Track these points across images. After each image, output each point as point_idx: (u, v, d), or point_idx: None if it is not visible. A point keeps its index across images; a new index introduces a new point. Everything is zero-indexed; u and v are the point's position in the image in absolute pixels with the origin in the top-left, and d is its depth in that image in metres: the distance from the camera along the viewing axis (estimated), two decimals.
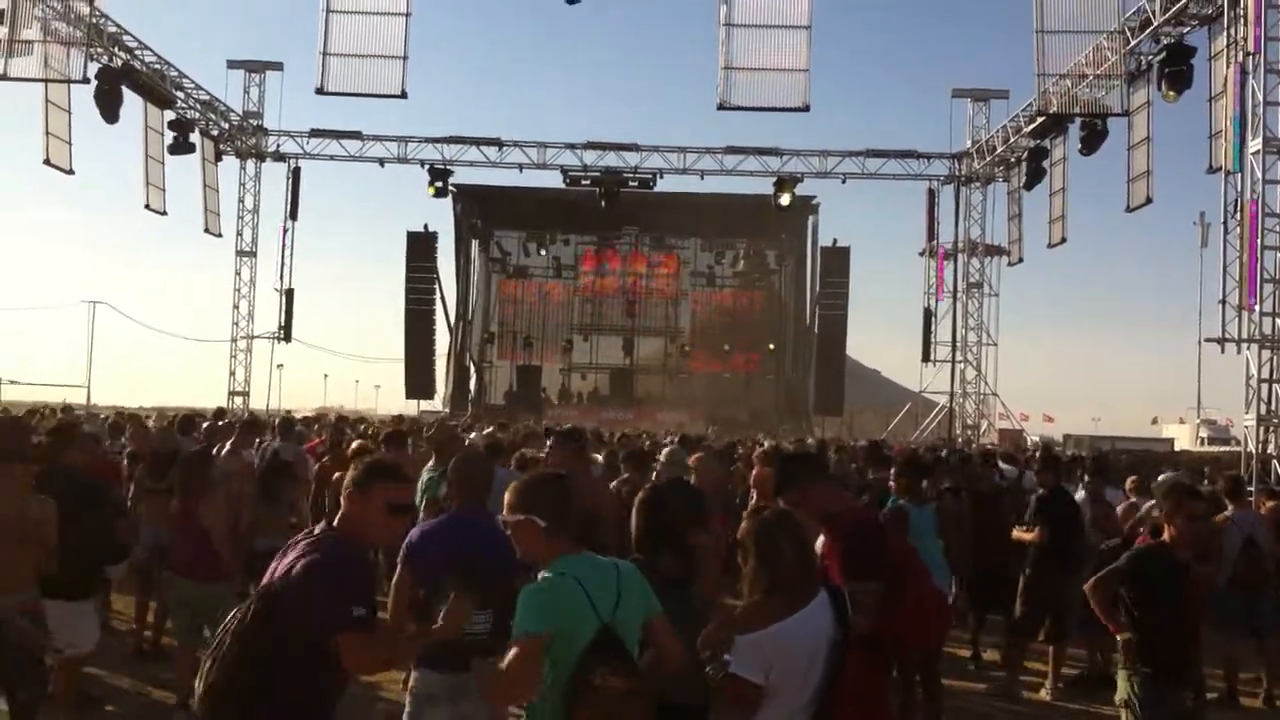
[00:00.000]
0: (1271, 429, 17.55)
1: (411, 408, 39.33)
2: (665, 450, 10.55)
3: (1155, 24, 21.43)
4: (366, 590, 3.91)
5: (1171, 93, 20.78)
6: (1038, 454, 19.55)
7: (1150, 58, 22.36)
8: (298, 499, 11.08)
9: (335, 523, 3.99)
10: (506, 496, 3.92)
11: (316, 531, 3.97)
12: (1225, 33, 18.95)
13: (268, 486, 9.35)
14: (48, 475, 6.74)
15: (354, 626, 3.73)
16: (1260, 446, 17.31)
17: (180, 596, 7.77)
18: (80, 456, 8.17)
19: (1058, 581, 9.40)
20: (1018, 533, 9.81)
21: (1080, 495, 11.00)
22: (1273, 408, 17.54)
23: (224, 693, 3.66)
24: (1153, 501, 9.39)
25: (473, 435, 17.35)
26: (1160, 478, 12.37)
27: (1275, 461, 17.12)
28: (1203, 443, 49.79)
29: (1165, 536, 5.79)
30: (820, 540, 4.84)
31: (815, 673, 3.91)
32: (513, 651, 3.52)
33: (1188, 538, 5.69)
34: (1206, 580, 6.85)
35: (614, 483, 9.74)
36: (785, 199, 32.57)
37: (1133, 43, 22.06)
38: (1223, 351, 18.20)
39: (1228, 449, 33.61)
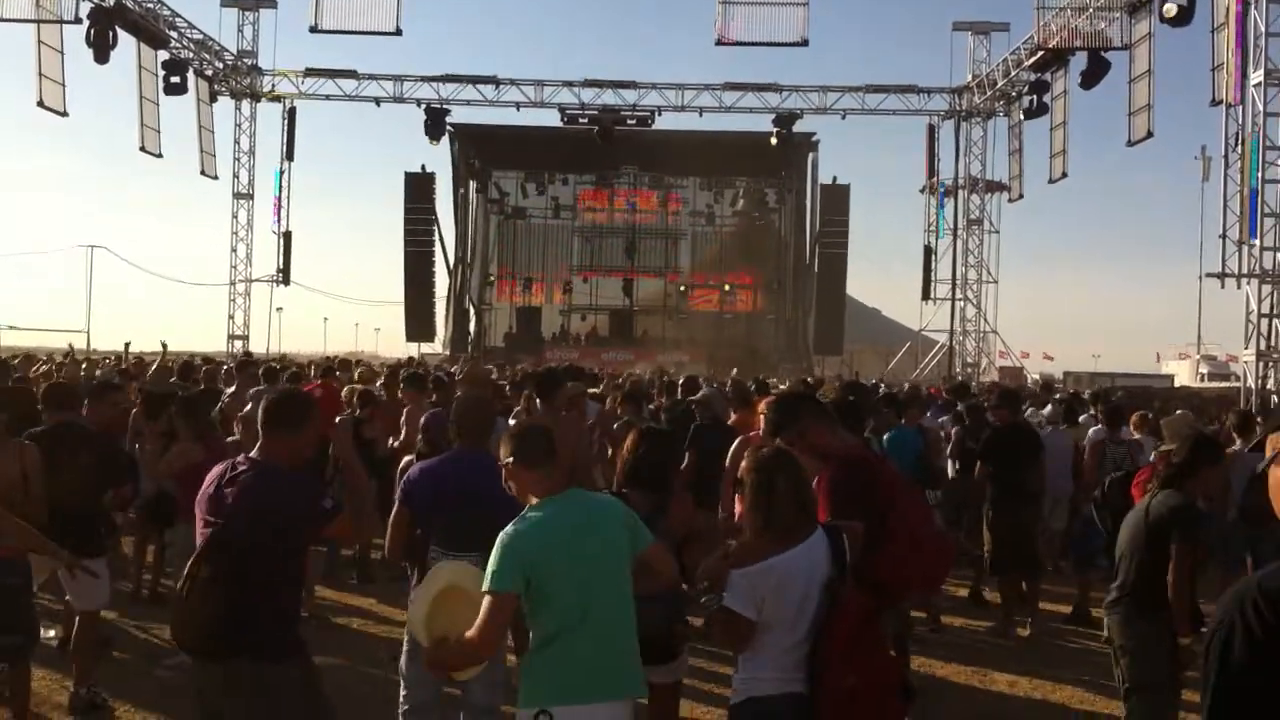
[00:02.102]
0: (1271, 364, 17.58)
1: (412, 350, 39.42)
2: (702, 393, 10.56)
3: None
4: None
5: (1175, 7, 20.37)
6: (1039, 392, 19.60)
7: None
8: None
9: (258, 454, 4.24)
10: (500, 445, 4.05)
11: (246, 461, 4.21)
12: None
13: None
14: (49, 430, 6.74)
15: (330, 515, 4.17)
16: (1260, 381, 17.35)
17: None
18: (106, 411, 8.14)
19: (1013, 517, 9.48)
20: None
21: (1094, 435, 11.04)
22: (1272, 343, 17.55)
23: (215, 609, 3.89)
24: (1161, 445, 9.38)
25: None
26: (1169, 417, 12.34)
27: (1275, 396, 17.16)
28: (1203, 379, 49.78)
29: (1181, 485, 5.75)
30: (817, 479, 4.85)
31: (809, 609, 3.94)
32: (481, 610, 3.65)
33: (1205, 490, 5.70)
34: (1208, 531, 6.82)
35: (616, 425, 9.83)
36: (780, 136, 32.39)
37: None
38: (1223, 286, 18.21)
39: (1228, 384, 33.65)
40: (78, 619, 6.83)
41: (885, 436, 9.75)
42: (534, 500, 3.86)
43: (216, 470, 4.24)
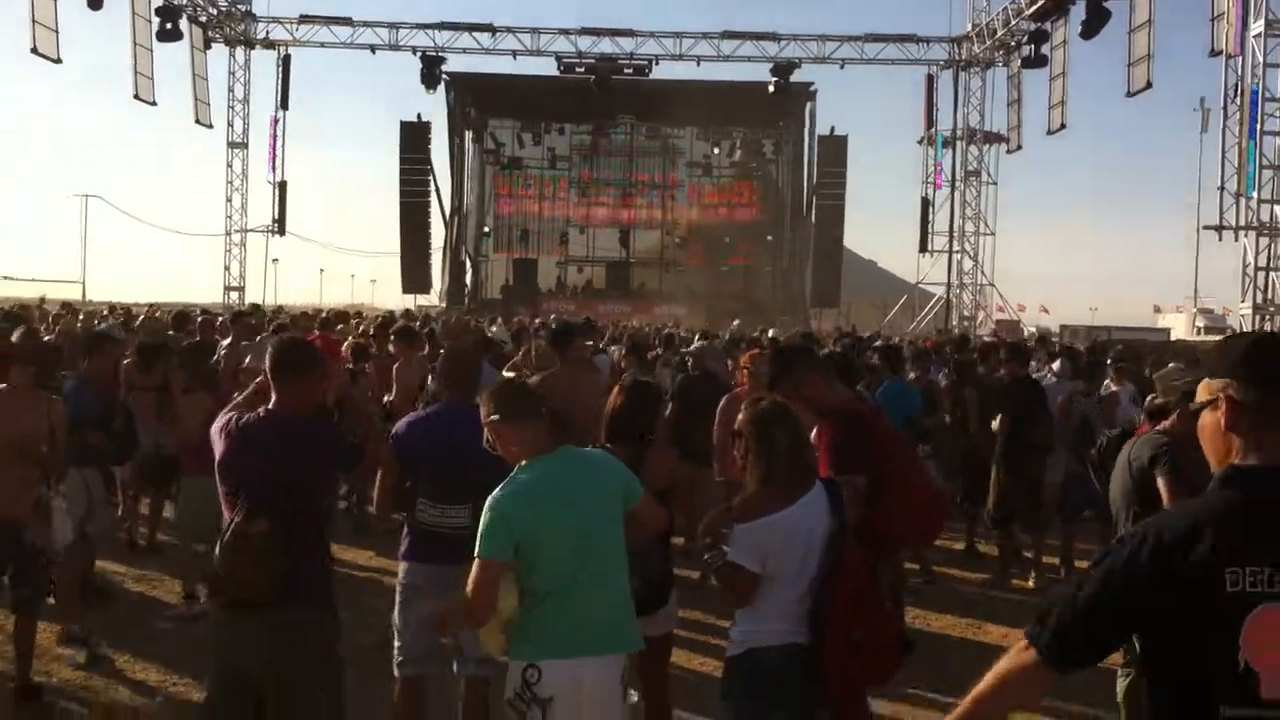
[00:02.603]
0: (1267, 317, 17.59)
1: (409, 302, 39.37)
2: (695, 344, 10.56)
3: None
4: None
5: None
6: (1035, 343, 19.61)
7: None
8: None
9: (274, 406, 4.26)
10: (481, 402, 4.04)
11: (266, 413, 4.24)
12: None
13: None
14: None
15: (359, 452, 4.62)
16: None
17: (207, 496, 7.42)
18: (106, 364, 8.14)
19: (1024, 470, 9.50)
20: (994, 423, 9.87)
21: (1067, 388, 11.02)
22: (1269, 296, 17.56)
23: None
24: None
25: (494, 329, 17.39)
26: (1160, 371, 12.32)
27: None
28: (1199, 332, 49.71)
29: (1169, 425, 5.78)
30: (814, 432, 4.86)
31: (811, 563, 3.96)
32: (470, 576, 3.68)
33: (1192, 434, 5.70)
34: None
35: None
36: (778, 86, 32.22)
37: None
38: (1220, 239, 18.21)
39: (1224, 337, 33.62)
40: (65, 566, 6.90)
41: (879, 389, 9.76)
42: (522, 461, 3.84)
43: (227, 424, 4.22)
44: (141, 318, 14.58)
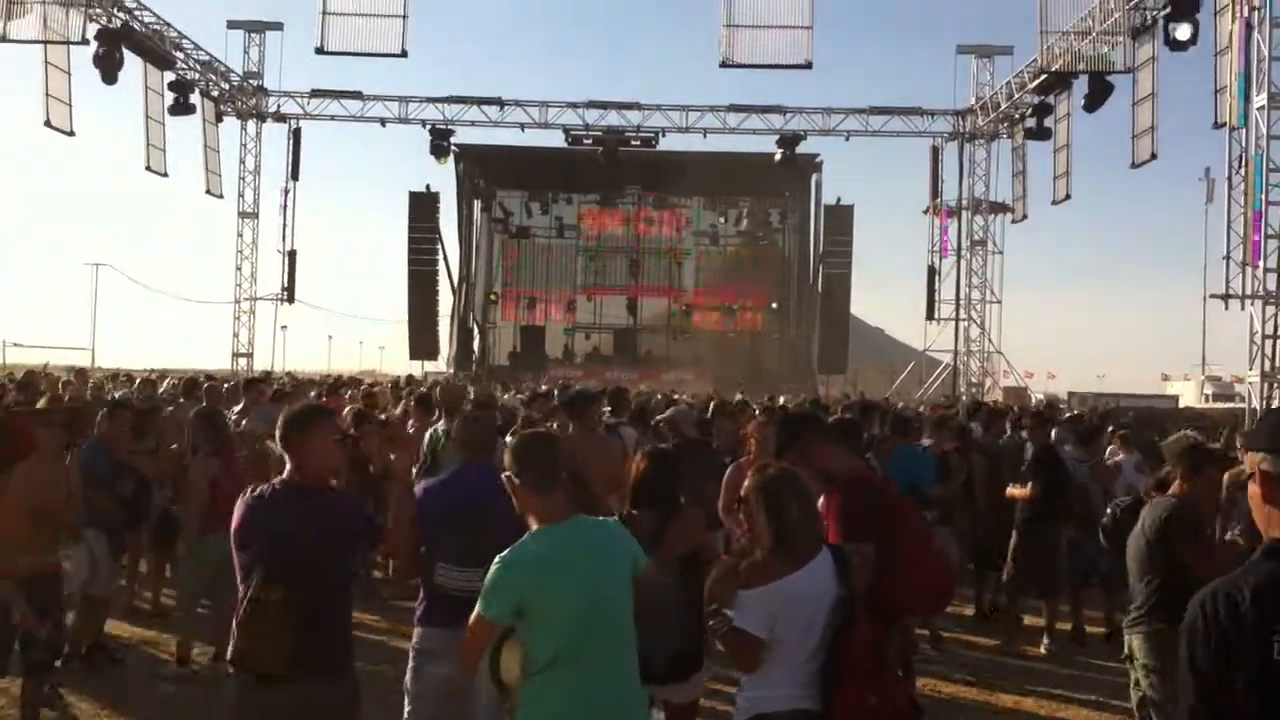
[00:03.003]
0: (1275, 385, 17.57)
1: (416, 369, 39.44)
2: (670, 411, 10.61)
3: None
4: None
5: (1185, 28, 20.43)
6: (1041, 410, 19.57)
7: (1155, 12, 22.18)
8: None
9: (289, 475, 4.28)
10: (507, 452, 4.03)
11: (278, 483, 4.26)
12: None
13: None
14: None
15: (380, 529, 4.66)
16: (1264, 402, 17.34)
17: (209, 557, 7.25)
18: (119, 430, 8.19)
19: (1046, 539, 9.48)
20: (1011, 490, 9.85)
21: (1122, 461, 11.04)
22: (1276, 364, 17.56)
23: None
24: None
25: (505, 397, 17.43)
26: (1169, 439, 12.35)
27: None
28: (1207, 399, 49.73)
29: (1175, 490, 5.78)
30: (821, 500, 4.87)
31: (817, 628, 3.96)
32: (469, 622, 3.75)
33: (1205, 497, 5.70)
34: (1235, 545, 6.80)
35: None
36: (784, 157, 32.49)
37: None
38: (1226, 308, 18.22)
39: (1233, 405, 33.62)
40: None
41: (893, 454, 9.76)
42: (534, 525, 3.85)
43: (244, 494, 4.26)
44: (138, 382, 14.72)
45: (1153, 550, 5.66)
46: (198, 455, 7.84)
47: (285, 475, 4.24)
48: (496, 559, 3.72)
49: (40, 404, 7.15)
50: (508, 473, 3.92)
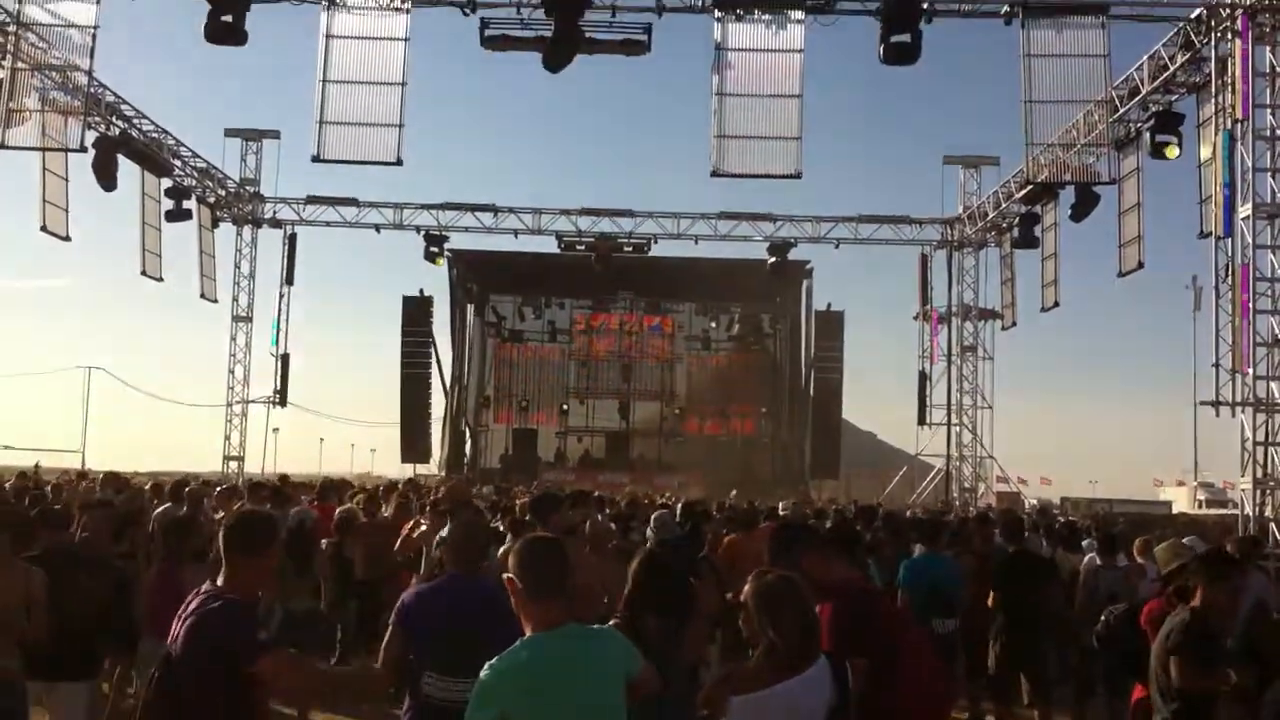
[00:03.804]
0: (1267, 492, 17.53)
1: (407, 471, 39.30)
2: (655, 515, 10.60)
3: (1144, 92, 21.69)
4: (249, 635, 4.23)
5: (1171, 146, 20.81)
6: (1038, 516, 19.52)
7: (1139, 125, 22.61)
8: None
9: (222, 582, 4.25)
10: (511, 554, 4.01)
11: (205, 589, 4.24)
12: (1213, 100, 19.17)
13: (297, 554, 9.35)
14: (51, 550, 6.69)
15: (262, 649, 4.12)
16: (1257, 509, 17.29)
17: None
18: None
19: (1025, 642, 9.37)
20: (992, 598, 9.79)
21: (1088, 562, 10.97)
22: (1269, 471, 17.53)
23: None
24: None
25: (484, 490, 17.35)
26: (1161, 545, 12.29)
27: (1272, 524, 17.08)
28: (1200, 505, 49.63)
29: (1196, 603, 5.72)
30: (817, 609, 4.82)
31: None
32: None
33: (1224, 607, 5.66)
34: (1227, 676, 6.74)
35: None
36: (775, 264, 32.84)
37: (1121, 110, 22.30)
38: (1217, 415, 18.25)
39: (1225, 512, 33.52)
40: None
41: (910, 561, 9.69)
42: (528, 630, 3.80)
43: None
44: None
45: (1163, 663, 5.60)
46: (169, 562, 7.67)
47: (219, 579, 4.25)
48: (487, 665, 3.68)
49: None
50: (510, 574, 3.88)
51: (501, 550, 4.20)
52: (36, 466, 20.68)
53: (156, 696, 4.03)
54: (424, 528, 10.42)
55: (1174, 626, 5.66)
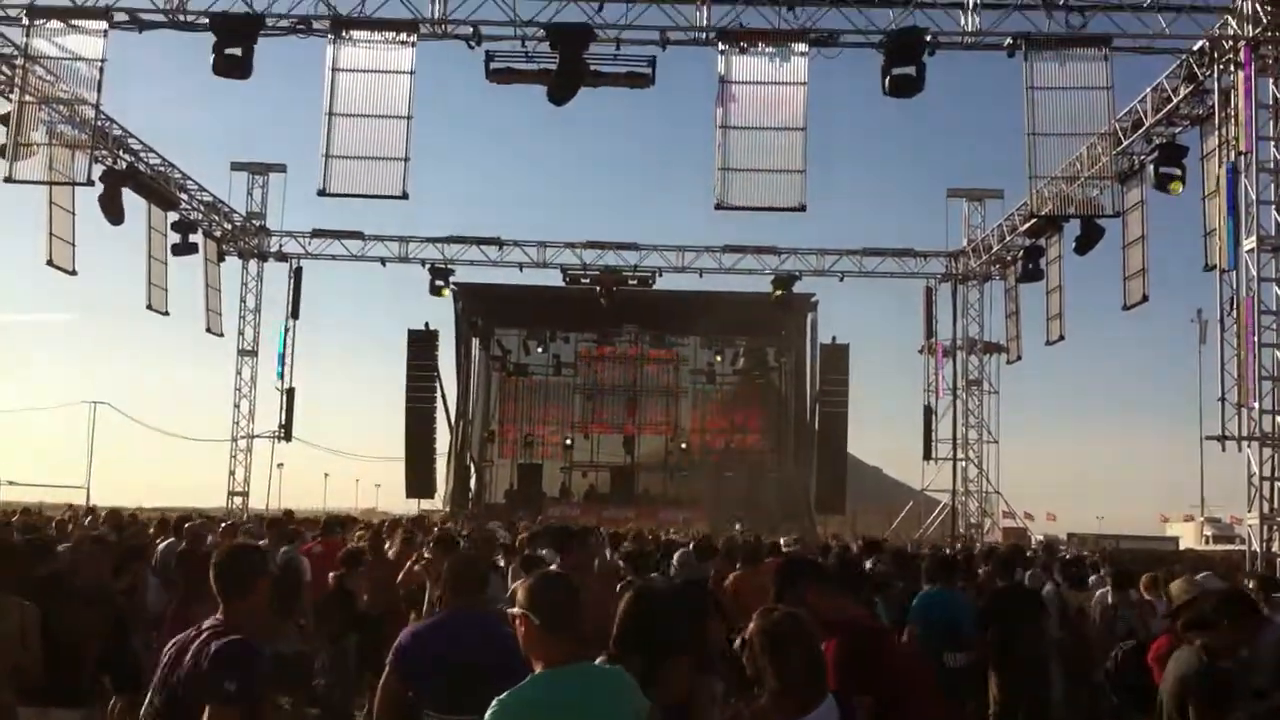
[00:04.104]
0: (1275, 527, 17.42)
1: (412, 507, 39.18)
2: (677, 554, 10.58)
3: (1147, 124, 21.74)
4: (249, 672, 4.14)
5: (1176, 182, 20.81)
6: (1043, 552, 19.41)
7: (1143, 158, 22.64)
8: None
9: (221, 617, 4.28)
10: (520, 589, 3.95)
11: (206, 626, 4.26)
12: (1217, 132, 19.20)
13: (283, 594, 9.27)
14: (42, 581, 6.66)
15: (226, 698, 4.02)
16: (1265, 545, 17.17)
17: None
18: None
19: (1021, 679, 9.30)
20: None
21: (1101, 597, 10.92)
22: (1275, 506, 17.43)
23: None
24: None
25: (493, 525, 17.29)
26: (1174, 582, 12.20)
27: None
28: (1208, 541, 49.33)
29: (1211, 642, 5.62)
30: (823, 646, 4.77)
31: None
32: None
33: (1234, 646, 5.58)
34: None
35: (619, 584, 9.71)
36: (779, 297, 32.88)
37: (1125, 143, 22.35)
38: (1223, 449, 18.16)
39: (1233, 547, 33.32)
40: None
41: (920, 597, 9.62)
42: (537, 667, 3.74)
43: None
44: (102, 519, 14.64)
45: (1177, 704, 5.51)
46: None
47: (217, 617, 4.26)
48: (495, 700, 3.61)
49: None
50: (520, 609, 3.81)
51: (513, 588, 4.11)
52: (39, 506, 20.66)
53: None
54: (427, 557, 10.40)
55: (1188, 668, 5.56)
